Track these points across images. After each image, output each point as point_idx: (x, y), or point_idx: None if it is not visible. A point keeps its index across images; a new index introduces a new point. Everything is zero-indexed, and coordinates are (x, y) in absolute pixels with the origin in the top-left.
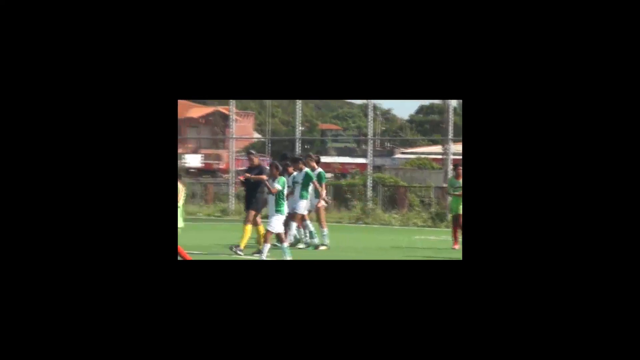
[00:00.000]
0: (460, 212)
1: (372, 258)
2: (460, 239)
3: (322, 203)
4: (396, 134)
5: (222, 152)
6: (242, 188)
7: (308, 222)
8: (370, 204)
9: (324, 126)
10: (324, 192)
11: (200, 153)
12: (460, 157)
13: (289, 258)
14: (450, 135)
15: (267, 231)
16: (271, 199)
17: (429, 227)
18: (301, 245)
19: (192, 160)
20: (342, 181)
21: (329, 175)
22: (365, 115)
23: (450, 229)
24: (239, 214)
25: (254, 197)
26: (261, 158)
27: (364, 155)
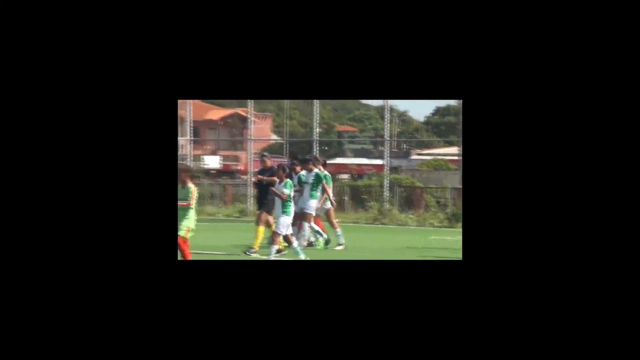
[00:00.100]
0: None
1: (388, 258)
2: None
3: (329, 205)
4: (412, 136)
5: (241, 154)
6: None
7: (312, 223)
8: (387, 205)
9: (341, 128)
10: (330, 194)
11: (218, 154)
12: None
13: (303, 257)
14: None
15: (274, 233)
16: (277, 200)
17: (445, 227)
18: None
19: (210, 161)
20: (359, 182)
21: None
22: (382, 117)
23: None
24: None
25: (265, 198)
26: (279, 160)
27: (381, 157)
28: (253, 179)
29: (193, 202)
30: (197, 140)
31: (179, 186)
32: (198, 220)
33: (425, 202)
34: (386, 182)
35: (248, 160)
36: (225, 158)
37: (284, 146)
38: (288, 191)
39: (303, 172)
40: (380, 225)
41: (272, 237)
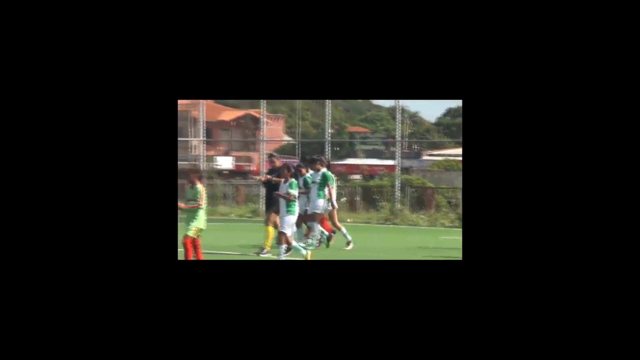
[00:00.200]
0: None
1: (400, 258)
2: None
3: (329, 207)
4: (423, 137)
5: (253, 155)
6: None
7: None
8: (398, 205)
9: (353, 129)
10: (334, 196)
11: (231, 155)
12: None
13: (304, 253)
14: None
15: (280, 232)
16: (282, 200)
17: (456, 227)
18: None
19: (224, 162)
20: (371, 182)
21: (357, 176)
22: (393, 118)
23: None
24: None
25: (273, 198)
26: (289, 160)
27: (392, 157)
28: (262, 179)
29: (203, 202)
30: (210, 141)
31: (188, 186)
32: (211, 221)
33: (436, 202)
34: (397, 183)
35: (260, 161)
36: (237, 159)
37: (296, 147)
38: (294, 191)
39: (308, 175)
40: (391, 225)
41: (279, 237)
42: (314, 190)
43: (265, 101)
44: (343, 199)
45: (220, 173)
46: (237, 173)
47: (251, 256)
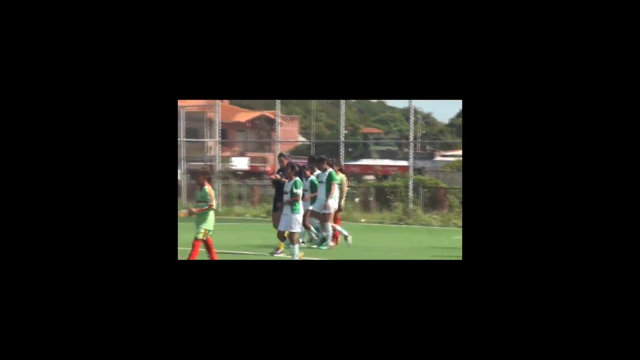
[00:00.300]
0: None
1: (413, 258)
2: None
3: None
4: (436, 137)
5: (268, 155)
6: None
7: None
8: (411, 205)
9: (366, 130)
10: (334, 195)
11: (246, 156)
12: None
13: (297, 257)
14: None
15: (290, 233)
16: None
17: None
18: (313, 245)
19: (239, 162)
20: (384, 183)
21: (371, 177)
22: (407, 119)
23: None
24: None
25: (282, 197)
26: (302, 161)
27: (405, 158)
28: (272, 176)
29: (213, 203)
30: (226, 142)
31: (197, 188)
32: (226, 221)
33: (449, 202)
34: (411, 183)
35: (275, 162)
36: (253, 159)
37: (311, 147)
38: (298, 190)
39: (313, 177)
40: (404, 225)
41: (290, 237)
42: (321, 189)
43: (280, 102)
44: (356, 199)
45: (235, 173)
46: (252, 174)
47: (265, 256)
